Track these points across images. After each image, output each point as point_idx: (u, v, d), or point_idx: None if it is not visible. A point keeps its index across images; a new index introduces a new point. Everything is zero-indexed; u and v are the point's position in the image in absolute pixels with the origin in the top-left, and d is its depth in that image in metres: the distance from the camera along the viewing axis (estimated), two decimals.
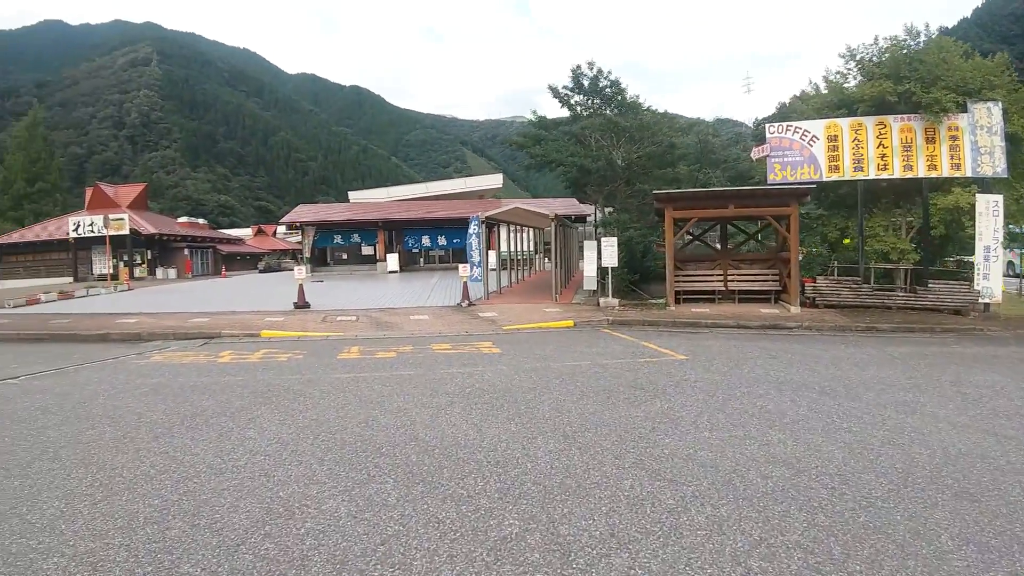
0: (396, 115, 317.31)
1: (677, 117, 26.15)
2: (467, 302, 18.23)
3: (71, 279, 42.44)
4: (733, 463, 5.31)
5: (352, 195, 51.35)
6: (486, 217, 19.79)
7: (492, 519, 4.21)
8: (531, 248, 35.15)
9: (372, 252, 43.69)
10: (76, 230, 41.29)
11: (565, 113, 26.40)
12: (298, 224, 44.35)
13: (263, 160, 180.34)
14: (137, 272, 43.58)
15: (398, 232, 43.06)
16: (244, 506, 4.47)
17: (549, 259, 41.97)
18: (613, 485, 4.81)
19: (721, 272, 19.10)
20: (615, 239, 18.08)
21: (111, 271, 39.90)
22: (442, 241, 43.08)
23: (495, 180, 50.46)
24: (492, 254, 24.31)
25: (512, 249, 26.85)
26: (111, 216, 40.11)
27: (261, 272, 53.43)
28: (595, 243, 18.62)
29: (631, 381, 8.61)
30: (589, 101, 24.68)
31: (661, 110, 26.36)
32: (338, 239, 43.72)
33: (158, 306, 20.57)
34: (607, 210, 25.87)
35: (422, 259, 46.71)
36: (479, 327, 14.49)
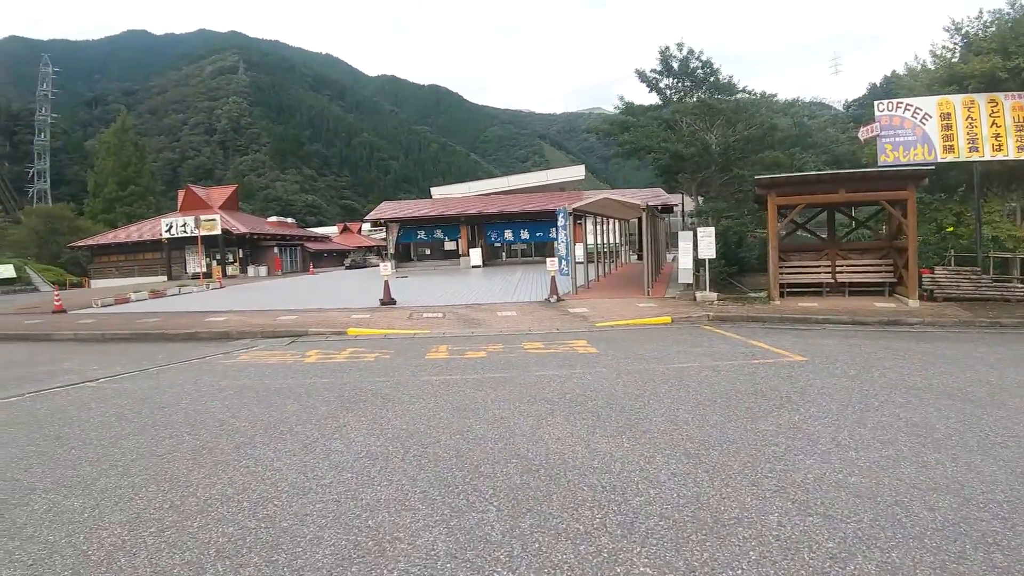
0: (474, 112, 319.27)
1: (774, 98, 24.37)
2: (555, 297, 17.53)
3: (165, 278, 44.29)
4: (892, 492, 4.43)
5: (434, 191, 51.54)
6: (573, 209, 19.01)
7: (618, 565, 3.49)
8: (616, 240, 34.00)
9: (455, 247, 43.65)
10: (169, 231, 43.07)
11: (653, 99, 25.30)
12: (382, 221, 44.78)
13: (347, 160, 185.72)
14: (229, 270, 45.11)
15: (480, 227, 42.80)
16: (328, 537, 3.93)
17: (634, 251, 40.78)
18: (757, 521, 4.00)
19: (828, 263, 17.66)
20: (712, 229, 16.99)
21: (203, 270, 41.39)
22: (524, 235, 42.53)
23: (577, 172, 49.44)
24: (578, 247, 23.51)
25: (598, 242, 25.88)
26: (203, 217, 41.70)
27: (347, 268, 54.42)
28: (690, 233, 17.57)
29: (749, 387, 7.70)
30: (679, 84, 23.43)
31: (758, 91, 24.72)
32: (421, 235, 43.89)
33: (248, 304, 20.87)
34: (699, 199, 24.60)
35: (504, 253, 46.34)
36: (571, 324, 13.77)
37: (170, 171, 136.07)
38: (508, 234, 42.61)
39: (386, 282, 18.73)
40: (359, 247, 74.61)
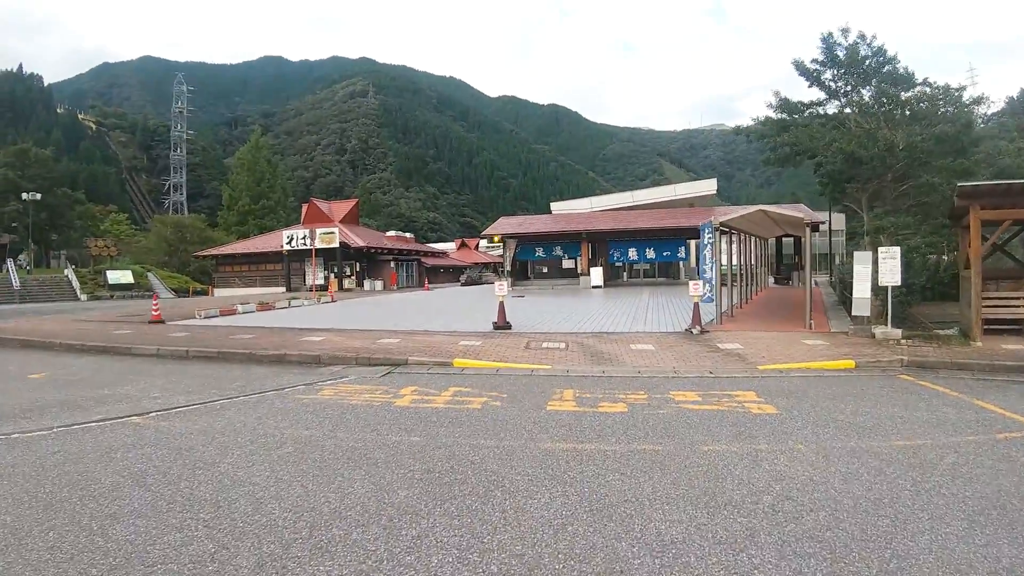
0: (592, 130, 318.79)
1: (960, 93, 19.93)
2: (699, 328, 14.73)
3: (284, 289, 44.78)
4: None
5: (554, 206, 49.62)
6: (720, 224, 16.20)
7: None
8: (753, 261, 30.51)
9: (573, 266, 41.43)
10: (290, 242, 43.65)
11: (813, 96, 21.66)
12: (500, 236, 43.31)
13: (468, 179, 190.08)
14: (346, 284, 45.03)
15: (602, 244, 40.32)
16: None
17: (771, 274, 36.87)
18: None
19: None
20: (897, 249, 13.70)
21: (316, 282, 41.57)
22: (650, 254, 39.58)
23: (708, 186, 45.89)
24: (714, 268, 20.53)
25: (740, 262, 22.70)
26: (321, 229, 41.95)
27: (463, 285, 53.61)
28: (868, 255, 14.38)
29: (1017, 483, 4.96)
30: (845, 75, 19.74)
31: (939, 84, 20.43)
32: (539, 252, 42.01)
33: (353, 321, 19.58)
34: (859, 213, 20.93)
35: (625, 273, 43.62)
36: (726, 365, 11.04)
37: (304, 188, 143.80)
38: (632, 253, 39.85)
39: (501, 303, 16.72)
40: (475, 263, 74.19)
